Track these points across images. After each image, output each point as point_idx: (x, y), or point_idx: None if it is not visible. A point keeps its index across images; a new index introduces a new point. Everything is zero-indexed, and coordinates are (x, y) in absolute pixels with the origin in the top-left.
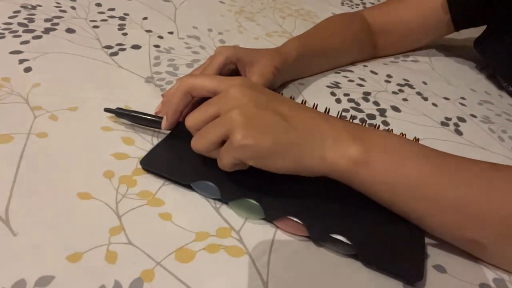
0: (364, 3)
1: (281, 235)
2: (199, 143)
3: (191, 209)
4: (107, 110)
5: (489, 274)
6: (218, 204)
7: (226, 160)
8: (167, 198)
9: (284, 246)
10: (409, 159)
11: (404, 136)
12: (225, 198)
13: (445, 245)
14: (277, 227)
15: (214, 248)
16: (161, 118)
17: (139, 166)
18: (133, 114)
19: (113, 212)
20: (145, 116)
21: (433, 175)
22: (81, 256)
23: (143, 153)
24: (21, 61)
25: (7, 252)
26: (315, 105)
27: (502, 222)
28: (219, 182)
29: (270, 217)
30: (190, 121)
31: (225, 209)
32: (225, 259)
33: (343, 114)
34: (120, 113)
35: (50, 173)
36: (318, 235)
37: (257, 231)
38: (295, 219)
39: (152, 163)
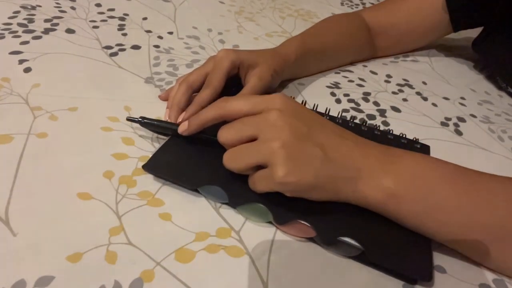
0: (363, 3)
1: (281, 235)
2: (233, 163)
3: (191, 209)
4: (129, 119)
5: (489, 275)
6: (218, 204)
7: (261, 187)
8: (167, 198)
9: (284, 246)
10: (437, 187)
11: (404, 136)
12: (233, 203)
13: (445, 245)
14: (280, 229)
15: (214, 248)
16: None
17: (139, 166)
18: (157, 123)
19: (113, 212)
20: (169, 126)
21: (461, 201)
22: (81, 256)
23: (143, 153)
24: (21, 62)
25: (7, 252)
26: (315, 106)
27: None
28: (227, 186)
29: (279, 221)
30: (224, 138)
31: (225, 209)
32: (225, 259)
33: (343, 114)
34: (144, 123)
35: (50, 173)
36: (328, 238)
37: (257, 231)
38: (303, 223)
39: (156, 168)
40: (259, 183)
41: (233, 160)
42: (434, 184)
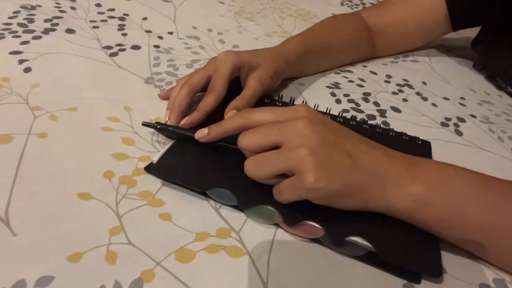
0: (363, 3)
1: (281, 236)
2: (257, 171)
3: (191, 210)
4: (145, 124)
5: (489, 274)
6: (218, 204)
7: (288, 197)
8: (167, 198)
9: (284, 246)
10: (465, 195)
11: (405, 134)
12: (242, 205)
13: (445, 245)
14: (286, 230)
15: (214, 249)
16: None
17: (139, 166)
18: (172, 129)
19: (113, 212)
20: (184, 132)
21: (488, 208)
22: (81, 256)
23: (143, 154)
24: (21, 62)
25: (7, 252)
26: (316, 106)
27: None
28: (235, 189)
29: (289, 223)
30: (247, 144)
31: (225, 210)
32: (225, 259)
33: (343, 114)
34: (160, 128)
35: (50, 173)
36: (337, 239)
37: (257, 232)
38: (312, 223)
39: (163, 170)
40: (287, 191)
41: (256, 168)
42: (460, 191)
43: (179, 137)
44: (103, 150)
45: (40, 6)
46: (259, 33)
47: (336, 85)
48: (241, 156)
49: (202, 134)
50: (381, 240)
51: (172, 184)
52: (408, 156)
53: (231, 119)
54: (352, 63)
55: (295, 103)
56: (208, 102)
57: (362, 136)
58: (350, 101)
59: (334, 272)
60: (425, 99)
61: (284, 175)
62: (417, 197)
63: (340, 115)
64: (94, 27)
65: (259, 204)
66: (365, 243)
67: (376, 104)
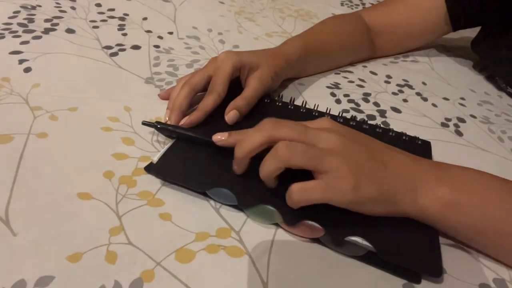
0: (363, 3)
1: (281, 236)
2: (293, 153)
3: (191, 209)
4: (145, 123)
5: (489, 274)
6: (218, 204)
7: (313, 197)
8: (167, 198)
9: (284, 246)
10: (491, 197)
11: (405, 133)
12: (242, 205)
13: (445, 245)
14: (286, 230)
15: (214, 249)
16: (202, 134)
17: (139, 166)
18: (172, 128)
19: (113, 212)
20: (187, 133)
21: None
22: (81, 256)
23: (143, 153)
24: (21, 61)
25: (7, 252)
26: (316, 106)
27: None
28: (235, 188)
29: (288, 223)
30: (274, 132)
31: (225, 210)
32: (225, 259)
33: (343, 114)
34: (160, 128)
35: (50, 173)
36: (337, 239)
37: (257, 232)
38: (312, 223)
39: (163, 170)
40: (313, 193)
41: (293, 151)
42: (486, 195)
43: (179, 136)
44: (103, 150)
45: (40, 6)
46: (259, 33)
47: (336, 86)
48: None
49: (221, 137)
50: (381, 240)
51: (172, 184)
52: (430, 160)
53: (255, 133)
54: (352, 64)
55: (295, 103)
56: (208, 102)
57: (385, 143)
58: (350, 101)
59: (334, 272)
60: (425, 99)
61: (284, 176)
62: (446, 200)
63: (340, 115)
64: (94, 27)
65: (259, 204)
66: (365, 243)
67: (376, 104)
